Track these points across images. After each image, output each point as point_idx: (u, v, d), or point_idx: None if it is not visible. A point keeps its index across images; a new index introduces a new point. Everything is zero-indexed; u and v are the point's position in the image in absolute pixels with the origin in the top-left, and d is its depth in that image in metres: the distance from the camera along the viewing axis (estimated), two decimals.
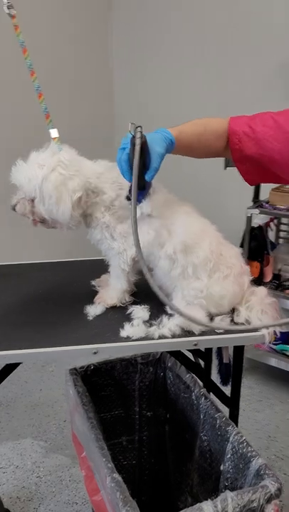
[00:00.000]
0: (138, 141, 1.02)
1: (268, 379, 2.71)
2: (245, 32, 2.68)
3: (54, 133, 1.22)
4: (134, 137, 1.03)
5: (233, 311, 1.29)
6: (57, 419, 2.42)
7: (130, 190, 1.06)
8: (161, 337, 1.20)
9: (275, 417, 2.44)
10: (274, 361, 2.53)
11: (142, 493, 1.63)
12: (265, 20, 2.60)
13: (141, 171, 1.07)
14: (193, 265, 1.24)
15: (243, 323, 1.25)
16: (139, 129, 1.03)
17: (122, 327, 1.23)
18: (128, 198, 1.12)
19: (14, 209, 1.25)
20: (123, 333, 1.21)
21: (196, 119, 1.22)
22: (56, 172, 1.17)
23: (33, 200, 1.21)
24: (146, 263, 1.29)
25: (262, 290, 1.31)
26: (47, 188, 1.17)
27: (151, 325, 1.22)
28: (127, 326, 1.22)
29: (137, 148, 1.02)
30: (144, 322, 1.23)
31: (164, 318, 1.23)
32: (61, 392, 2.57)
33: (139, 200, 1.15)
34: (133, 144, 1.03)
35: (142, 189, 1.13)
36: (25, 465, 2.15)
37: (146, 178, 1.09)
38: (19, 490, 2.03)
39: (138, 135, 1.02)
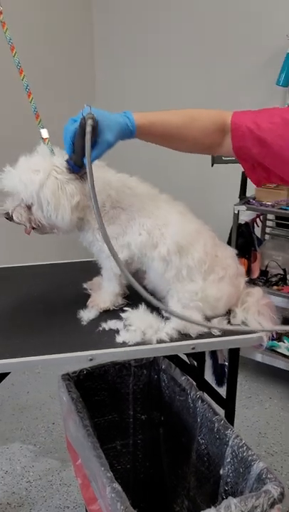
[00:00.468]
0: (88, 129, 0.98)
1: (257, 375, 2.71)
2: (233, 25, 2.66)
3: (44, 133, 1.18)
4: (84, 118, 1.00)
5: (228, 312, 1.28)
6: (45, 421, 2.38)
7: (67, 161, 1.10)
8: (158, 341, 1.17)
9: (264, 413, 2.44)
10: (263, 357, 2.53)
11: (137, 496, 1.61)
12: (254, 10, 2.58)
13: (82, 152, 1.03)
14: (187, 267, 1.22)
15: (239, 325, 1.24)
16: (90, 115, 0.99)
17: (118, 332, 1.20)
18: (66, 163, 1.12)
19: (10, 218, 1.20)
20: (119, 339, 1.18)
21: (186, 109, 1.13)
22: (52, 177, 1.13)
23: (29, 207, 1.17)
24: (139, 265, 1.27)
25: (258, 291, 1.30)
26: (45, 194, 1.13)
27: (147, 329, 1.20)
28: (122, 331, 1.20)
29: (88, 137, 0.98)
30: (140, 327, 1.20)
31: (161, 322, 1.21)
32: (49, 394, 2.54)
33: (75, 172, 1.13)
34: (82, 127, 1.00)
35: (80, 167, 1.10)
36: (14, 470, 2.11)
37: (84, 161, 1.03)
38: (9, 496, 1.99)
39: (89, 122, 0.98)
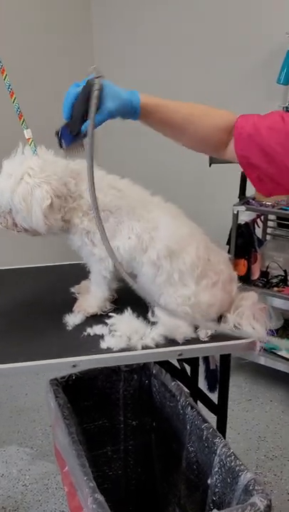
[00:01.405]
0: (96, 92, 0.94)
1: (257, 377, 2.67)
2: (233, 22, 2.62)
3: (28, 133, 1.15)
4: (90, 81, 0.96)
5: (219, 318, 1.24)
6: (43, 424, 2.37)
7: (61, 129, 1.02)
8: (144, 347, 1.14)
9: (264, 416, 2.41)
10: (263, 359, 2.49)
11: (128, 503, 1.59)
12: (253, 8, 2.54)
13: (81, 118, 0.99)
14: (179, 271, 1.19)
15: (230, 330, 1.20)
16: (98, 80, 0.95)
17: (103, 338, 1.17)
18: (56, 134, 1.04)
19: None
20: (103, 345, 1.15)
21: (200, 104, 1.07)
22: (23, 182, 1.11)
23: (11, 212, 1.16)
24: (129, 269, 1.24)
25: (252, 295, 1.26)
26: (16, 200, 1.12)
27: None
28: (107, 336, 1.17)
29: (93, 103, 0.94)
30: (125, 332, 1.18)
31: (147, 328, 1.18)
32: None
33: (67, 143, 1.04)
34: (87, 91, 0.96)
35: (76, 135, 1.02)
36: (10, 473, 2.10)
37: (82, 128, 0.99)
38: (5, 499, 1.97)
39: (96, 87, 0.94)
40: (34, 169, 1.12)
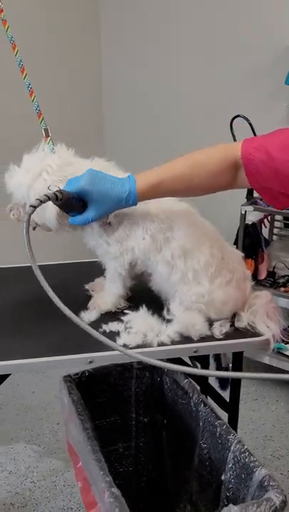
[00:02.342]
0: (26, 217, 0.96)
1: None
2: (242, 23, 2.63)
3: (46, 132, 1.17)
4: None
5: (233, 316, 1.25)
6: (50, 421, 2.38)
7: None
8: (160, 344, 1.16)
9: (271, 415, 2.42)
10: (270, 359, 2.50)
11: (139, 500, 1.60)
12: (262, 7, 2.55)
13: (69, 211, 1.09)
14: (193, 270, 1.20)
15: (243, 329, 1.22)
16: (29, 210, 0.96)
17: (118, 334, 1.18)
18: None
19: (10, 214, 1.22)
20: (119, 341, 1.16)
21: (192, 156, 1.05)
22: (41, 178, 1.13)
23: (25, 206, 1.17)
24: (144, 268, 1.25)
25: (266, 294, 1.28)
26: (31, 195, 1.13)
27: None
28: (123, 333, 1.18)
29: (25, 225, 0.96)
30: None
31: (162, 325, 1.19)
32: (54, 394, 2.53)
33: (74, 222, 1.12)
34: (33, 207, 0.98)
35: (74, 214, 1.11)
36: (18, 470, 2.11)
37: (69, 220, 1.10)
38: (13, 496, 1.98)
39: (29, 210, 0.96)
40: (52, 167, 1.13)
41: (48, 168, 1.13)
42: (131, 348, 1.15)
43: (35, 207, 0.95)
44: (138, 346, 1.15)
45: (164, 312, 1.22)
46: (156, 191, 1.05)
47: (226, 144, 1.07)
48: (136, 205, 1.07)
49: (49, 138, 1.17)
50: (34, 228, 1.23)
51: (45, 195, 0.98)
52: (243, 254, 1.32)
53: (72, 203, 1.04)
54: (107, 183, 1.04)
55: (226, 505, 1.00)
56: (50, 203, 1.06)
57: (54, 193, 1.00)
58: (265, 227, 2.61)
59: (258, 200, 2.38)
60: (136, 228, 1.20)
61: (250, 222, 2.44)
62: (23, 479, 2.06)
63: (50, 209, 1.14)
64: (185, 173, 1.05)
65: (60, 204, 1.03)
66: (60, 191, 1.01)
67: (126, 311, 1.25)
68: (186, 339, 1.18)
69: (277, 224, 2.78)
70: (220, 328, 1.21)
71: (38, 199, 0.96)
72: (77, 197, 1.05)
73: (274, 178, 1.00)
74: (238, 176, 1.07)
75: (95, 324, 1.24)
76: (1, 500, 1.96)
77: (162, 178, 1.05)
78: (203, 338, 1.19)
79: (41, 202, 0.96)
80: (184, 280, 1.21)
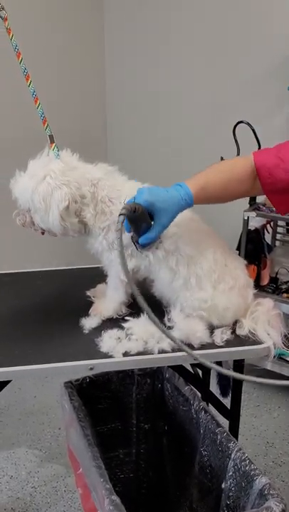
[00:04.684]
0: (118, 234, 1.02)
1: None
2: (244, 29, 2.63)
3: (51, 138, 1.18)
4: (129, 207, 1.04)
5: (234, 323, 1.25)
6: (52, 426, 2.38)
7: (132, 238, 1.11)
8: (160, 351, 1.16)
9: (273, 422, 2.41)
10: (271, 365, 2.49)
11: (139, 506, 1.60)
12: (265, 16, 2.56)
13: (137, 234, 1.09)
14: (196, 276, 1.20)
15: (245, 336, 1.22)
16: (121, 218, 1.02)
17: (120, 341, 1.18)
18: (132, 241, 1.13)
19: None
20: (120, 348, 1.16)
21: (219, 164, 1.17)
22: (45, 182, 1.14)
23: (30, 211, 1.19)
24: (147, 274, 1.26)
25: (268, 301, 1.28)
26: (36, 199, 1.14)
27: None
28: (124, 340, 1.18)
29: (118, 241, 1.02)
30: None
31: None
32: (56, 399, 2.53)
33: (138, 248, 1.14)
34: (128, 216, 1.04)
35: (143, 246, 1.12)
36: (19, 475, 2.11)
37: (140, 241, 1.09)
38: (14, 501, 1.98)
39: (118, 226, 1.02)
40: (56, 172, 1.14)
41: (51, 172, 1.14)
42: (131, 355, 1.15)
43: (125, 214, 1.01)
44: (139, 353, 1.15)
45: (165, 319, 1.22)
46: (204, 194, 1.11)
47: (242, 156, 1.21)
48: (192, 206, 1.11)
49: (54, 144, 1.18)
50: (43, 233, 1.24)
51: (123, 208, 1.02)
52: (246, 262, 1.32)
53: (144, 217, 1.06)
54: (162, 191, 1.08)
55: None
56: (53, 205, 1.11)
57: (134, 205, 1.03)
58: (268, 232, 2.61)
59: (261, 206, 2.38)
60: None
61: (252, 228, 2.44)
62: (24, 484, 2.06)
63: (54, 213, 1.15)
64: (222, 180, 1.14)
65: (136, 216, 1.05)
66: (137, 204, 1.04)
67: (127, 317, 1.25)
68: (187, 346, 1.18)
69: (279, 230, 2.77)
70: (221, 336, 1.21)
71: (124, 207, 1.02)
72: (146, 211, 1.07)
73: (286, 176, 1.11)
74: (255, 183, 1.17)
75: (96, 331, 1.24)
76: (2, 506, 1.95)
77: (207, 182, 1.12)
78: (204, 346, 1.19)
79: (127, 210, 1.02)
80: (187, 285, 1.21)
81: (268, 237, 2.59)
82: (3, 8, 1.13)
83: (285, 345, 1.24)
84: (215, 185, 1.12)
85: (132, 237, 1.11)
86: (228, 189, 1.15)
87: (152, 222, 1.08)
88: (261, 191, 1.18)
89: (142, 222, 1.07)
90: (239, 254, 2.42)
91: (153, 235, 1.08)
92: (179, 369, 1.42)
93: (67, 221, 1.17)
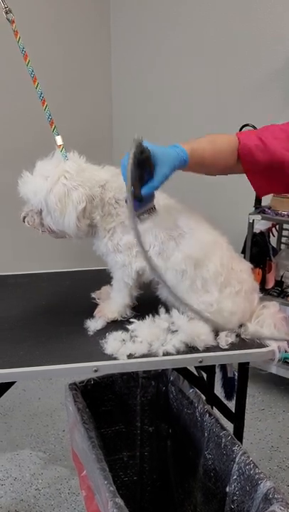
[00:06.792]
0: (130, 161, 0.99)
1: (270, 387, 2.67)
2: (250, 31, 2.63)
3: (59, 140, 1.18)
4: (137, 149, 1.01)
5: (239, 326, 1.25)
6: (56, 428, 2.38)
7: (134, 200, 1.04)
8: (165, 354, 1.15)
9: (277, 426, 2.40)
10: (276, 369, 2.49)
11: (143, 509, 1.59)
12: (265, 18, 2.56)
13: (140, 183, 1.05)
14: (202, 279, 1.20)
15: (250, 339, 1.21)
16: (132, 148, 1.00)
17: (124, 343, 1.18)
18: (126, 201, 1.10)
19: (24, 221, 1.22)
20: (124, 350, 1.16)
21: (210, 135, 1.20)
22: (60, 183, 1.13)
23: (40, 213, 1.18)
24: (152, 276, 1.25)
25: (274, 305, 1.27)
26: (51, 200, 1.13)
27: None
28: (128, 342, 1.18)
29: (129, 167, 0.99)
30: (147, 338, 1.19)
31: (168, 334, 1.19)
32: (60, 401, 2.53)
33: (135, 209, 1.08)
34: (134, 156, 1.00)
35: (140, 201, 1.07)
36: (23, 477, 2.11)
37: (142, 192, 1.05)
38: (17, 503, 1.98)
39: (131, 154, 0.99)
40: (70, 173, 1.14)
41: (65, 173, 1.14)
42: (136, 358, 1.15)
43: (136, 148, 1.00)
44: (143, 355, 1.15)
45: (170, 322, 1.22)
46: (196, 156, 1.12)
47: (227, 135, 1.22)
48: (187, 164, 1.11)
49: (62, 146, 1.18)
50: (49, 233, 1.23)
51: (133, 143, 1.00)
52: (252, 266, 1.31)
53: (148, 163, 1.04)
54: (161, 146, 1.09)
55: None
56: (70, 206, 1.12)
57: (141, 146, 1.01)
58: (273, 235, 2.60)
59: (266, 209, 2.37)
60: (146, 235, 1.20)
61: (258, 231, 2.44)
62: (27, 486, 2.06)
63: (71, 214, 1.14)
64: (208, 147, 1.16)
65: (142, 160, 1.02)
66: (144, 146, 1.02)
67: (131, 319, 1.25)
68: (191, 349, 1.18)
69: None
70: (226, 339, 1.21)
71: (134, 144, 1.00)
72: (150, 157, 1.04)
73: (265, 156, 1.15)
74: (236, 161, 1.20)
75: (101, 333, 1.24)
76: (6, 507, 1.95)
77: (198, 145, 1.14)
78: (208, 348, 1.18)
79: (137, 147, 1.00)
80: (193, 288, 1.21)
81: (273, 241, 2.58)
82: (10, 11, 1.13)
83: None
84: (204, 151, 1.14)
85: (132, 193, 1.03)
86: (216, 158, 1.17)
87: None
88: (242, 170, 1.21)
89: (145, 168, 1.04)
90: (244, 258, 2.42)
91: (155, 183, 1.06)
92: (183, 372, 1.42)
93: (82, 222, 1.17)
